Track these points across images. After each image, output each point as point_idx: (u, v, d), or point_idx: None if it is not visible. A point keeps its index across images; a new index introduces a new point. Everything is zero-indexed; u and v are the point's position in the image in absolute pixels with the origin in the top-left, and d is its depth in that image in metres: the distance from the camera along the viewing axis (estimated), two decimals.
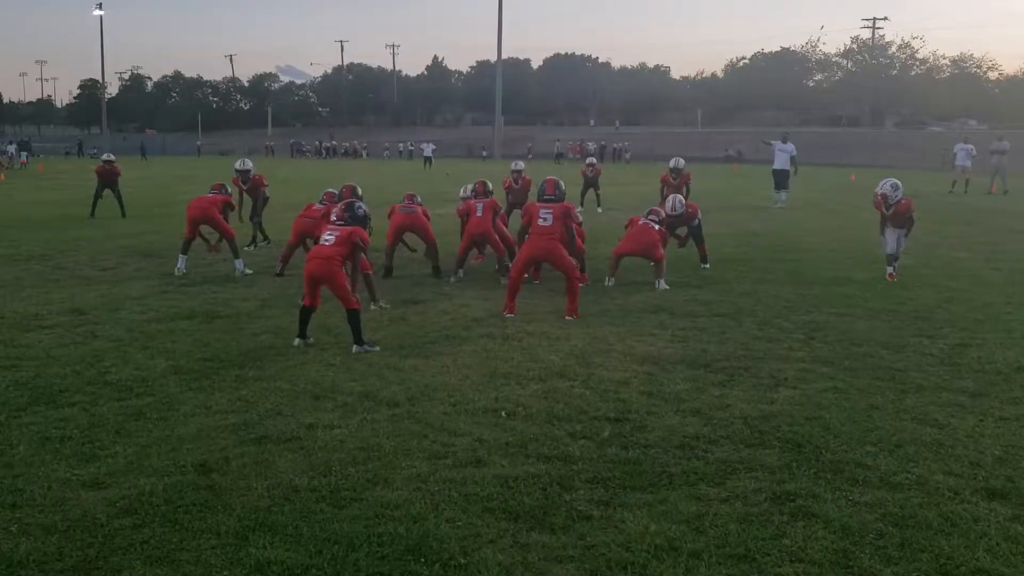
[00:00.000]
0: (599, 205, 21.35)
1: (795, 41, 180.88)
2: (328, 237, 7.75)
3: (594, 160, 22.84)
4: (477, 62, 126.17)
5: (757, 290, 10.55)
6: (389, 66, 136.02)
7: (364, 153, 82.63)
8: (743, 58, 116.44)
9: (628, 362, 7.14)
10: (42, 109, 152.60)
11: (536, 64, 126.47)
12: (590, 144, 66.47)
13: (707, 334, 8.19)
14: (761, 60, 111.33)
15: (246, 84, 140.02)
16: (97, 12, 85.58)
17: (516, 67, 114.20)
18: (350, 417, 5.72)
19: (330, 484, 4.61)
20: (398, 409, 5.88)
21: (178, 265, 11.68)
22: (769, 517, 4.28)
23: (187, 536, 3.98)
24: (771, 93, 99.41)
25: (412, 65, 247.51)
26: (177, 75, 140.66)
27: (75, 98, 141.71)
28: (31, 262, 12.63)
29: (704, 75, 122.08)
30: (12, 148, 53.09)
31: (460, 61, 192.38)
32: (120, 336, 7.95)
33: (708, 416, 5.79)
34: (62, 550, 3.83)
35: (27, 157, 52.08)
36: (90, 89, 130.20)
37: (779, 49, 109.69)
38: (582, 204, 20.23)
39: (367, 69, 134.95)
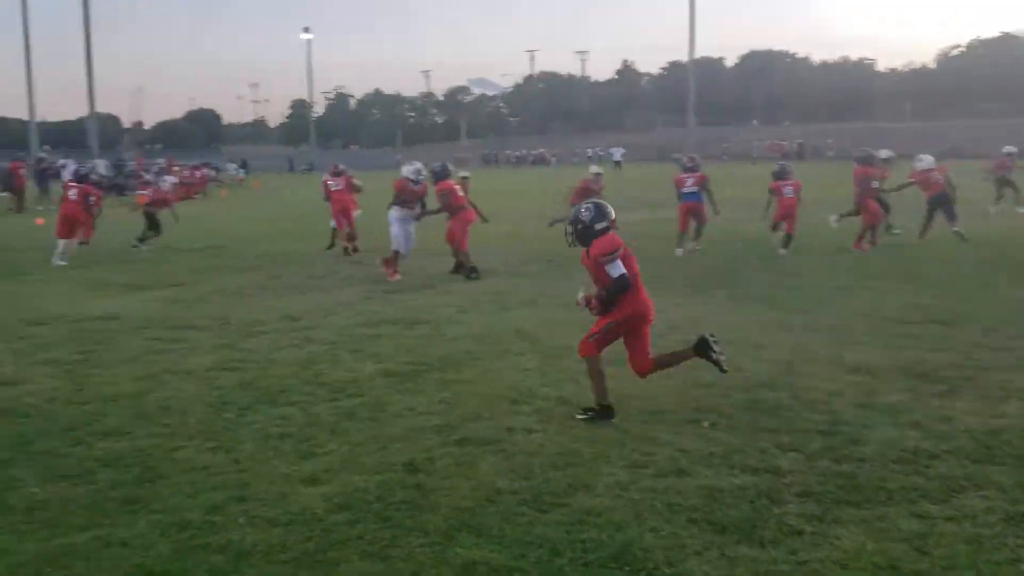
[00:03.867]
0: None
1: (1018, 25, 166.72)
2: None
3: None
4: (668, 63, 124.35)
5: (981, 294, 9.75)
6: (578, 72, 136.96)
7: (553, 160, 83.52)
8: (958, 46, 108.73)
9: (837, 371, 6.77)
10: (257, 129, 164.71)
11: (730, 62, 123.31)
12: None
13: (924, 341, 7.64)
14: (979, 47, 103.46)
15: (441, 98, 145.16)
16: (305, 36, 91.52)
17: (709, 66, 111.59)
18: (548, 422, 5.75)
19: (532, 488, 4.65)
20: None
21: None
22: (1003, 540, 3.92)
23: (398, 533, 4.13)
24: (991, 82, 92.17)
25: (601, 70, 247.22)
26: (377, 92, 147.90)
27: (286, 118, 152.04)
28: (251, 273, 13.60)
29: (914, 66, 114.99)
30: (233, 167, 57.65)
31: (650, 63, 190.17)
32: (332, 340, 8.39)
33: (929, 429, 5.39)
34: (285, 542, 4.06)
35: (244, 175, 56.27)
36: (299, 109, 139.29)
37: (999, 34, 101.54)
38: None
39: (556, 77, 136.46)
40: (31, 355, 7.93)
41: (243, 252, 16.37)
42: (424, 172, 13.10)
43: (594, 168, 17.33)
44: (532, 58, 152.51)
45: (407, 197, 12.62)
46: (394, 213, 12.70)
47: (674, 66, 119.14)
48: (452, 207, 12.86)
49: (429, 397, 6.37)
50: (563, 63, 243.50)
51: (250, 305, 10.57)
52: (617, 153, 59.40)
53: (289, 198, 34.95)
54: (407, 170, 12.93)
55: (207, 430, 5.74)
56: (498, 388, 6.55)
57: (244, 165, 61.07)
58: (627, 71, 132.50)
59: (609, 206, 5.97)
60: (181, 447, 5.42)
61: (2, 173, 30.85)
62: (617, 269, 5.61)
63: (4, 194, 29.83)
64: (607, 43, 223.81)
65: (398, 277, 12.24)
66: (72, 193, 15.66)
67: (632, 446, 5.26)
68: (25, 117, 56.14)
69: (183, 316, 9.81)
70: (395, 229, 12.61)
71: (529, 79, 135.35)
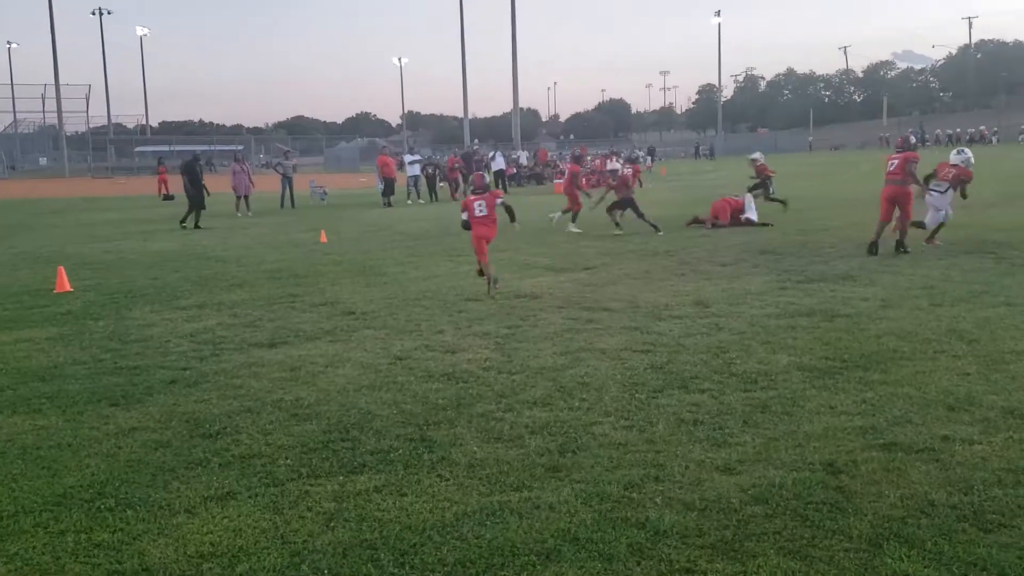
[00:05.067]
0: None
1: None
2: None
3: None
4: None
5: None
6: None
7: (994, 139, 74.40)
8: None
9: None
10: (664, 116, 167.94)
11: None
12: None
13: None
14: None
15: (860, 75, 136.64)
16: (715, 20, 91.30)
17: None
18: (992, 434, 5.13)
19: (972, 504, 4.18)
20: None
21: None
22: None
23: (818, 534, 3.94)
24: None
25: None
26: (790, 72, 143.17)
27: (693, 103, 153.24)
28: (657, 258, 13.87)
29: None
30: (641, 154, 59.57)
31: None
32: (742, 329, 8.25)
33: None
34: (701, 527, 4.06)
35: (651, 162, 57.94)
36: (707, 94, 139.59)
37: None
38: None
39: (1000, 45, 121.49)
40: (467, 327, 8.82)
41: (651, 236, 16.76)
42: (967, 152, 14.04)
43: None
44: (970, 25, 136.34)
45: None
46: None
47: None
48: None
49: (850, 396, 5.99)
50: (1009, 29, 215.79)
51: (658, 289, 10.77)
52: None
53: (697, 182, 35.15)
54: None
55: (621, 408, 5.95)
56: (931, 392, 5.98)
57: (652, 152, 62.76)
58: None
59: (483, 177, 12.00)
60: (598, 422, 5.67)
61: (441, 166, 35.04)
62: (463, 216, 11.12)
63: (442, 184, 33.80)
64: None
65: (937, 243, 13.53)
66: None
67: None
68: (460, 114, 63.07)
69: (596, 297, 10.29)
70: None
71: (965, 49, 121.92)
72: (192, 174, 22.74)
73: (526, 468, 4.89)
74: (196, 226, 22.03)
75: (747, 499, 4.35)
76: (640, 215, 17.35)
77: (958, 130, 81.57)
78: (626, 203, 17.65)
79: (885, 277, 10.83)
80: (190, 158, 24.26)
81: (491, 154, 40.72)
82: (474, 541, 4.00)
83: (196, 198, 22.51)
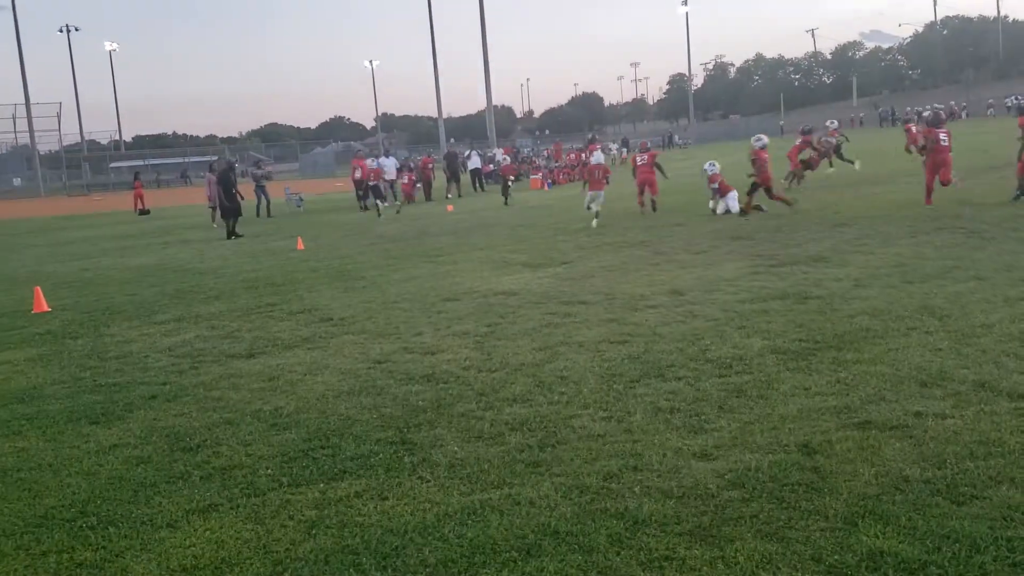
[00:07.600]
0: None
1: None
2: None
3: None
4: None
5: None
6: (992, 13, 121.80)
7: (963, 114, 74.99)
8: None
9: None
10: (636, 108, 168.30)
11: None
12: None
13: None
14: None
15: (828, 57, 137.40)
16: (683, 9, 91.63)
17: None
18: (964, 407, 5.21)
19: (945, 477, 4.25)
20: None
21: None
22: None
23: (795, 515, 3.99)
24: None
25: (1022, 8, 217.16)
26: (759, 58, 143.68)
27: (664, 93, 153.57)
28: (633, 248, 13.95)
29: None
30: (615, 147, 59.66)
31: None
32: (716, 316, 8.32)
33: None
34: (679, 514, 4.11)
35: (625, 153, 58.02)
36: (678, 83, 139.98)
37: None
38: None
39: (965, 21, 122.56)
40: (446, 327, 8.84)
41: (629, 228, 16.83)
42: None
43: None
44: (935, 2, 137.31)
45: None
46: None
47: None
48: None
49: (824, 377, 6.07)
50: (973, 4, 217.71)
51: (634, 280, 10.83)
52: None
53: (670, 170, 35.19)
54: None
55: (600, 400, 5.99)
56: (903, 369, 6.06)
57: (625, 144, 62.96)
58: None
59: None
60: (577, 415, 5.71)
61: (418, 166, 35.08)
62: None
63: (418, 185, 33.82)
64: None
65: None
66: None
67: None
68: (434, 115, 63.19)
69: (573, 291, 10.34)
70: None
71: (931, 26, 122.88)
72: (226, 184, 22.52)
73: (506, 465, 4.92)
74: (234, 235, 21.66)
75: (724, 484, 4.40)
76: None
77: (926, 107, 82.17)
78: None
79: (857, 257, 10.94)
80: (224, 167, 23.99)
81: (467, 153, 40.74)
82: (455, 541, 4.02)
83: (231, 207, 22.22)
